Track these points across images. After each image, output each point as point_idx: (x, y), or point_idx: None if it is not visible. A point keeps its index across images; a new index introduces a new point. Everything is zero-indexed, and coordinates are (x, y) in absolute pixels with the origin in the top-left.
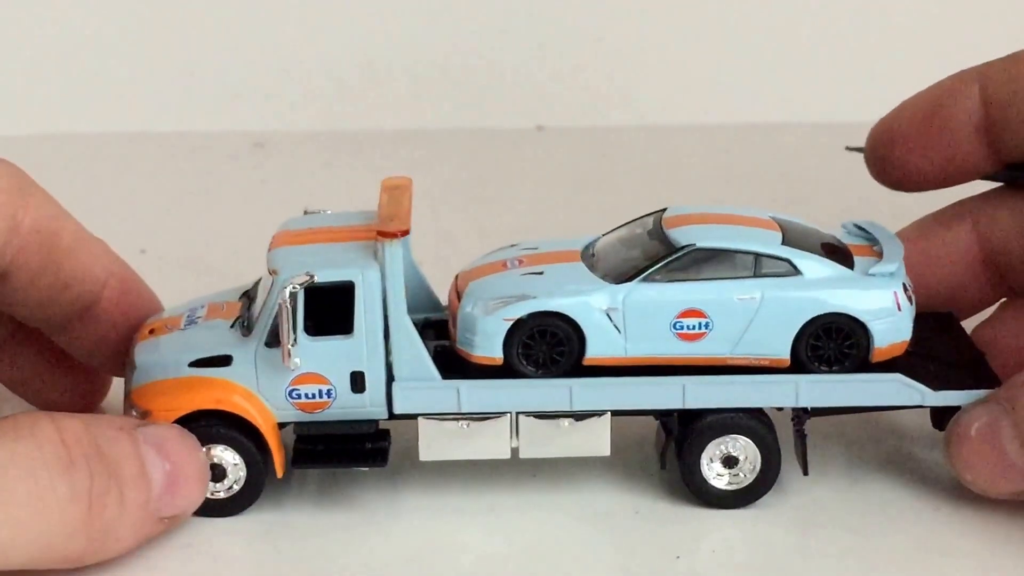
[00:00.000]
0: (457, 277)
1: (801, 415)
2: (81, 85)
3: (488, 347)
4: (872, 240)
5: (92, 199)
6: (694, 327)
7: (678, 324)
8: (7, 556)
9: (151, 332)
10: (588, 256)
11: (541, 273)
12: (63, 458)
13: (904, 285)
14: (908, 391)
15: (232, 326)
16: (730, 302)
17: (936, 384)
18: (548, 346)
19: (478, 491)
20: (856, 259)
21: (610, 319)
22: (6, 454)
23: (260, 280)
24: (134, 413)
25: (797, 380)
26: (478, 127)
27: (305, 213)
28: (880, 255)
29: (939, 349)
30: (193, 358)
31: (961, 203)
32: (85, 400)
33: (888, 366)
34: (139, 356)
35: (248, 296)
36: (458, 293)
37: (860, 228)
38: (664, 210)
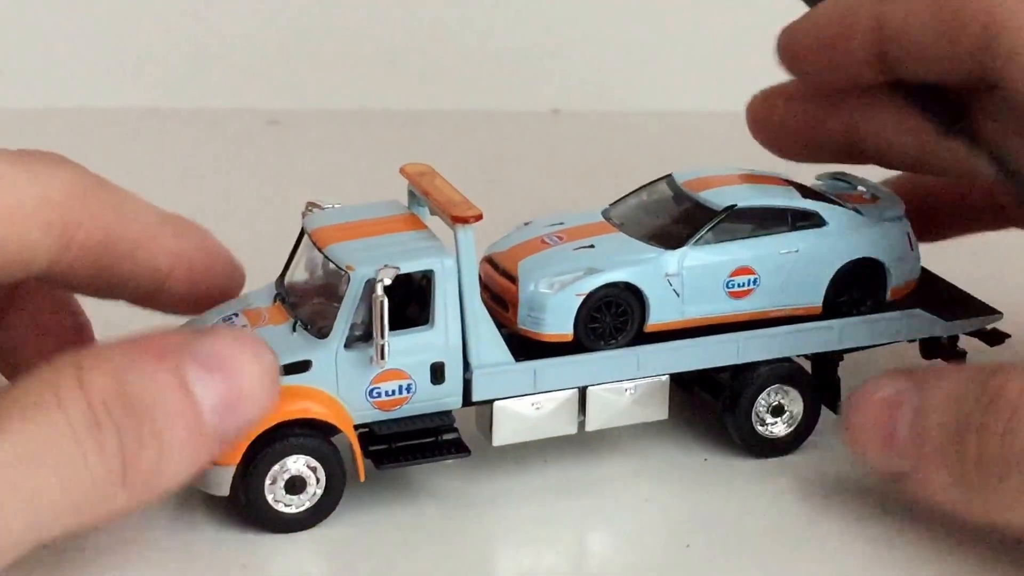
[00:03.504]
0: (491, 259)
1: (835, 358)
2: (97, 60)
3: (559, 324)
4: (851, 186)
5: (106, 174)
6: (744, 284)
7: (730, 283)
8: (41, 532)
9: None
10: (618, 226)
11: (592, 246)
12: (90, 422)
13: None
14: (928, 324)
15: (293, 330)
16: (774, 257)
17: (946, 316)
18: (612, 317)
19: (531, 472)
20: (856, 206)
21: (670, 284)
22: (31, 429)
23: (283, 279)
24: None
25: (839, 324)
26: (493, 110)
27: (309, 207)
28: (868, 199)
29: (925, 288)
30: None
31: None
32: None
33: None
34: None
35: (283, 298)
36: (505, 274)
37: (835, 178)
38: (670, 176)
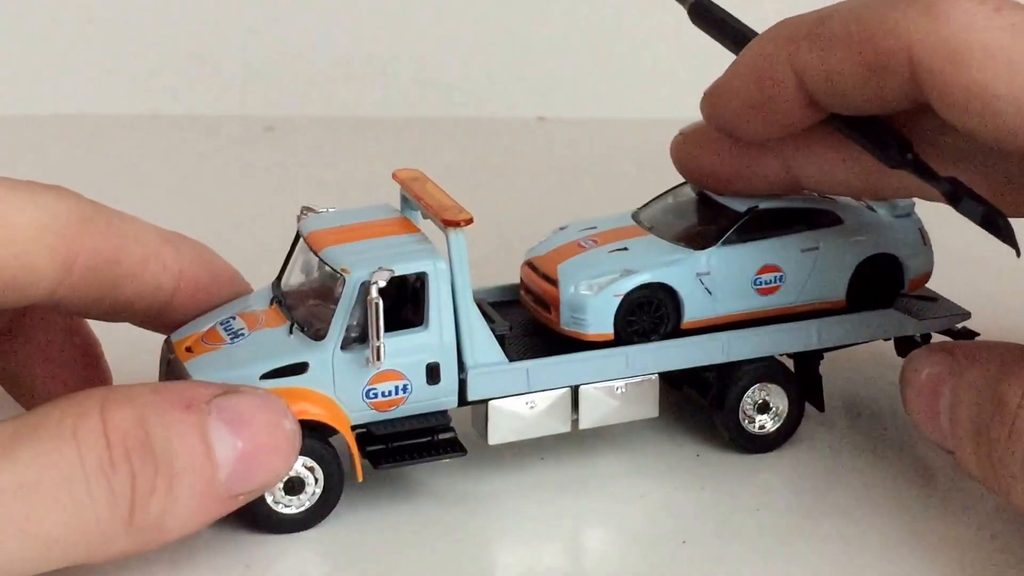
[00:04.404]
0: (531, 263)
1: (815, 356)
2: (95, 67)
3: (600, 324)
4: None
5: (103, 180)
6: (771, 281)
7: (758, 280)
8: (35, 563)
9: (189, 350)
10: (648, 229)
11: (626, 249)
12: (104, 462)
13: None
14: (902, 323)
15: (290, 332)
16: (797, 254)
17: (919, 316)
18: (649, 316)
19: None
20: (869, 203)
21: (701, 283)
22: (42, 459)
23: (279, 282)
24: None
25: (817, 324)
26: (481, 117)
27: (304, 211)
28: None
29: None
30: (264, 369)
31: None
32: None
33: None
34: (197, 376)
35: (280, 301)
36: (545, 278)
37: None
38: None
